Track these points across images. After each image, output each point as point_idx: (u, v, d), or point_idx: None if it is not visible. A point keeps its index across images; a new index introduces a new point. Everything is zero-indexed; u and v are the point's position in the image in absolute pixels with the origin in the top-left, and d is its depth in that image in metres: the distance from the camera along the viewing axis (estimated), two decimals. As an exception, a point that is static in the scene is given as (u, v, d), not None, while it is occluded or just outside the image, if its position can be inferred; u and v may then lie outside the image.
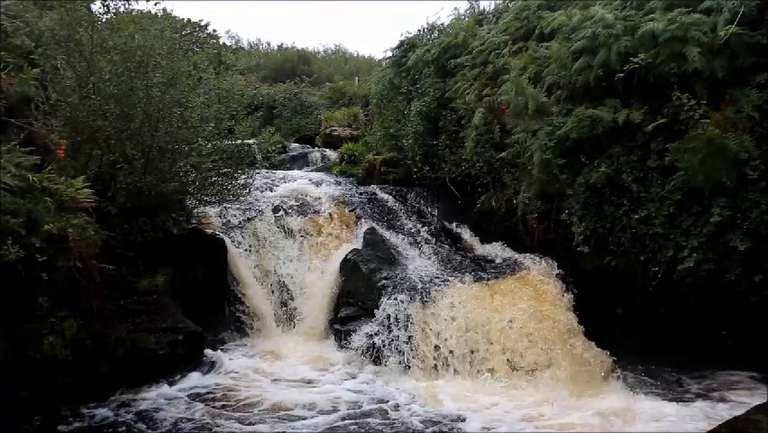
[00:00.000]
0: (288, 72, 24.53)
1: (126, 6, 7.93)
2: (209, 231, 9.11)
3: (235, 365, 7.48)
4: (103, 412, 6.07)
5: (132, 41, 7.54)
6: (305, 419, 6.10)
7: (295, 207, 10.32)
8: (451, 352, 7.30)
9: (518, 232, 9.04)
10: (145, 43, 7.58)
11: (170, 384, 6.78)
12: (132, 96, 7.50)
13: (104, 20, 7.91)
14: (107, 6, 7.82)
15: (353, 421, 6.07)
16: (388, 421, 6.09)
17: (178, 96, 7.86)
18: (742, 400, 6.26)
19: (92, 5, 8.03)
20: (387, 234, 9.82)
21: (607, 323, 7.49)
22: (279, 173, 12.41)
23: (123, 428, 5.80)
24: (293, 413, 6.23)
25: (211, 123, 8.52)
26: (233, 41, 27.89)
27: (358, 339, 7.84)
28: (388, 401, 6.56)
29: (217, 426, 5.91)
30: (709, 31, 6.32)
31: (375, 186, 11.85)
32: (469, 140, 9.58)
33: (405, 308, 7.66)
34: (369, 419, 6.11)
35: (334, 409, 6.35)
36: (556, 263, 8.24)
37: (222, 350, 7.95)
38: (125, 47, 7.48)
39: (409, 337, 7.49)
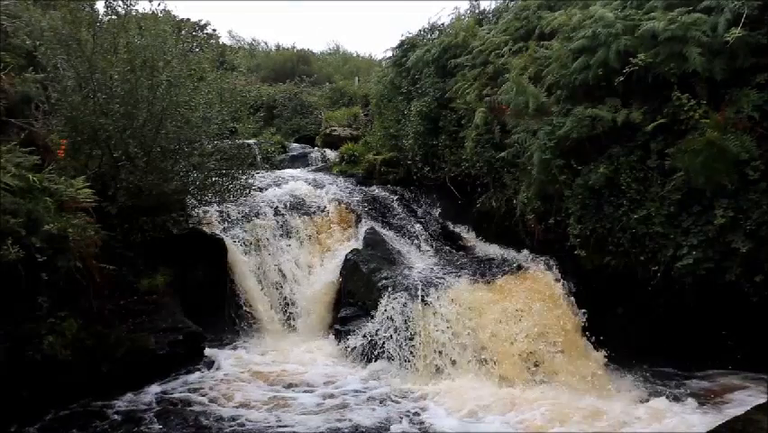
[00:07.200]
0: (287, 72, 24.54)
1: (128, 7, 7.94)
2: (209, 231, 9.11)
3: (235, 366, 7.49)
4: (100, 412, 6.06)
5: (138, 41, 7.55)
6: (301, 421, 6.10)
7: (295, 207, 10.31)
8: (451, 352, 7.29)
9: (518, 232, 9.04)
10: (153, 43, 7.59)
11: (170, 384, 6.79)
12: (136, 95, 7.51)
13: (106, 20, 7.92)
14: (110, 6, 7.83)
15: (352, 425, 6.06)
16: (389, 423, 6.08)
17: (182, 95, 7.87)
18: (742, 400, 6.27)
19: (95, 5, 8.05)
20: (387, 234, 9.82)
21: (607, 322, 7.49)
22: (279, 173, 12.42)
23: (120, 428, 5.81)
24: (289, 415, 6.22)
25: (213, 123, 8.52)
26: (234, 42, 27.94)
27: (358, 339, 7.83)
28: (389, 403, 6.55)
29: (215, 428, 5.90)
30: (710, 30, 6.31)
31: (375, 186, 11.86)
32: (469, 140, 9.58)
33: (405, 308, 7.65)
34: (370, 424, 6.08)
35: (331, 406, 6.36)
36: (556, 263, 8.23)
37: (222, 350, 7.95)
38: (131, 46, 7.49)
39: (410, 337, 7.47)
